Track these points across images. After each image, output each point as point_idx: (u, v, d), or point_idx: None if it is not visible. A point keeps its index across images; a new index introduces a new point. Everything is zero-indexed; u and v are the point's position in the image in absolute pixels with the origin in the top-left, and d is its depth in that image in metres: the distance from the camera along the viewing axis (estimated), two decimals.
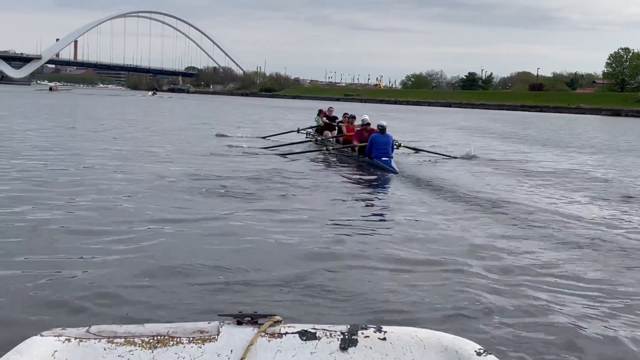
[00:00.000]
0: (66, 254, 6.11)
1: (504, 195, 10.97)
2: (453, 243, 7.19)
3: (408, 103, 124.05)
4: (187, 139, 21.31)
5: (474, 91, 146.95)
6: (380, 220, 8.66)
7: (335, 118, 20.33)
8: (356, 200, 10.18)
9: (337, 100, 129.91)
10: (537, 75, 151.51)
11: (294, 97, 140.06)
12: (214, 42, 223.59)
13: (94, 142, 18.58)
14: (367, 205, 9.73)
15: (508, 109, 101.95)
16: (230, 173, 12.35)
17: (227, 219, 8.05)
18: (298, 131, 22.30)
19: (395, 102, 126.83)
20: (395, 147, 15.20)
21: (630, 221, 9.18)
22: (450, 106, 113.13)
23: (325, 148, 16.65)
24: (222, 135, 20.97)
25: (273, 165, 13.97)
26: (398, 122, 37.38)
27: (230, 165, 13.87)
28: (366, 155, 14.59)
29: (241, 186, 10.60)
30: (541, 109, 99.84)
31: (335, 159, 15.94)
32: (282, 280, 5.53)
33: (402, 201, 10.21)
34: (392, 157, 14.04)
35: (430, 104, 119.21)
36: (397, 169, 13.51)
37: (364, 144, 14.92)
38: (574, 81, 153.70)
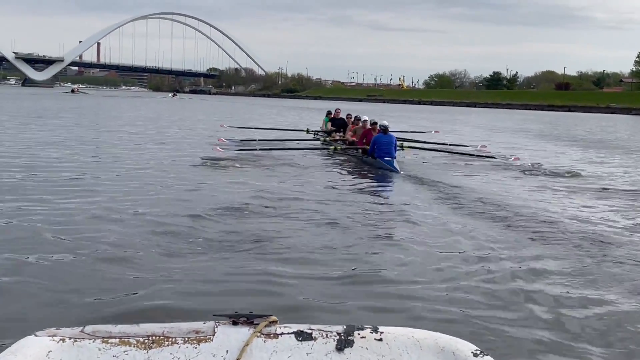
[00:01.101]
0: (59, 253, 6.12)
1: (510, 198, 10.59)
2: (451, 244, 7.06)
3: (432, 103, 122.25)
4: (191, 141, 21.43)
5: (498, 91, 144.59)
6: (377, 219, 8.49)
7: (342, 120, 20.63)
8: (356, 199, 10.07)
9: (360, 100, 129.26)
10: (564, 74, 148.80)
11: (315, 98, 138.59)
12: (236, 43, 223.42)
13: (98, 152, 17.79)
14: (366, 205, 9.56)
15: (535, 109, 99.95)
16: (232, 171, 12.43)
17: (225, 217, 7.98)
18: (307, 131, 22.51)
19: (419, 103, 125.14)
20: (398, 147, 15.57)
21: None
22: (475, 106, 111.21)
23: (332, 147, 16.82)
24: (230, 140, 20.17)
25: (276, 164, 14.08)
26: (442, 126, 35.41)
27: (233, 163, 13.93)
28: (369, 155, 14.81)
29: (242, 184, 10.58)
30: (569, 109, 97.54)
31: (340, 159, 16.13)
32: (279, 280, 5.51)
33: (401, 200, 10.16)
34: (395, 157, 14.24)
35: (454, 104, 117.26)
36: (399, 168, 13.67)
37: (367, 146, 15.24)
38: (600, 80, 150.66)
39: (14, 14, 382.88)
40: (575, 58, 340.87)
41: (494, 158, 16.18)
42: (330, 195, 10.13)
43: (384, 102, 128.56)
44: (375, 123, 15.93)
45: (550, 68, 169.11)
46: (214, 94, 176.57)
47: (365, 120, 16.79)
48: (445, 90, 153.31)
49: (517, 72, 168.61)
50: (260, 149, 15.63)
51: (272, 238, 6.97)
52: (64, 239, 6.69)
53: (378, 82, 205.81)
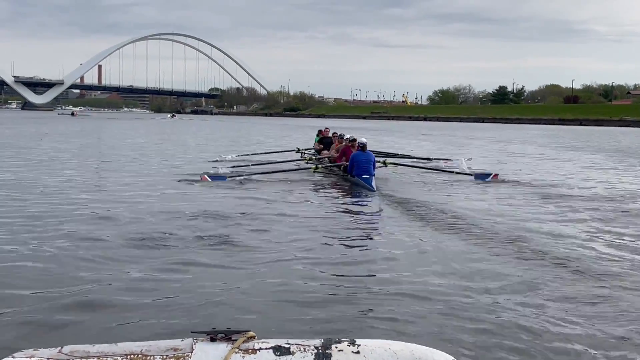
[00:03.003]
0: (36, 276, 5.97)
1: (481, 213, 10.37)
2: (422, 259, 7.01)
3: (438, 119, 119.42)
4: (176, 161, 21.23)
5: (505, 105, 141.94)
6: (348, 236, 8.39)
7: (330, 138, 20.54)
8: (329, 217, 10.03)
9: (364, 118, 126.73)
10: (572, 88, 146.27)
11: (318, 116, 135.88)
12: (237, 63, 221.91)
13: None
14: (337, 223, 9.52)
15: (544, 123, 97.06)
16: (210, 193, 12.20)
17: (199, 236, 7.92)
18: (297, 151, 22.49)
19: (424, 119, 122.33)
20: (383, 164, 16.48)
21: None
22: (482, 121, 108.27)
23: (312, 167, 16.80)
24: (221, 160, 19.76)
25: (257, 185, 14.02)
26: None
27: (212, 185, 13.71)
28: (348, 173, 14.70)
29: (219, 207, 10.41)
30: (581, 122, 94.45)
31: (320, 178, 16.03)
32: (257, 297, 5.43)
33: (373, 219, 10.40)
34: (373, 175, 14.03)
35: (461, 120, 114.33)
36: (375, 186, 13.44)
37: (346, 163, 15.22)
38: (608, 92, 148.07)
39: (15, 38, 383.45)
40: (578, 71, 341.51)
41: (470, 175, 16.16)
42: (305, 215, 10.09)
43: (388, 119, 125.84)
44: (354, 140, 15.82)
45: (553, 82, 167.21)
46: (215, 114, 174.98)
47: (354, 140, 16.26)
48: (451, 106, 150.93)
49: (523, 86, 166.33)
50: (246, 176, 15.41)
51: (247, 255, 6.99)
52: (38, 259, 6.60)
53: (381, 99, 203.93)
